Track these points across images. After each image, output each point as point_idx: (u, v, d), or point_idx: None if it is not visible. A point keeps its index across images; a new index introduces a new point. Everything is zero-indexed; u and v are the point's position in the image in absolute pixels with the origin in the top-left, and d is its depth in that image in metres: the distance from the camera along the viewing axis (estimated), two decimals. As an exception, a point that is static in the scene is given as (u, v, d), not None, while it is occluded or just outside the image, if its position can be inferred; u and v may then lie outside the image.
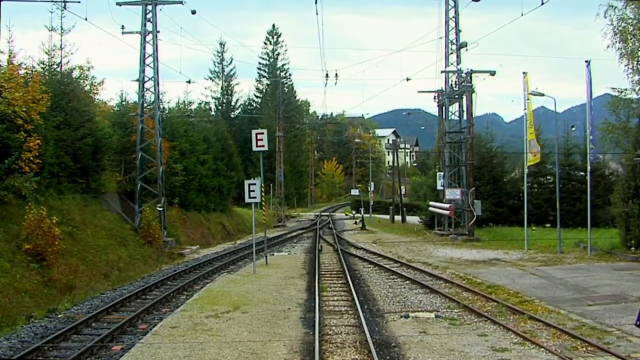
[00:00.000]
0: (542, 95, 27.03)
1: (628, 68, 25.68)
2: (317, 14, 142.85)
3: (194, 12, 30.43)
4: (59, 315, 14.08)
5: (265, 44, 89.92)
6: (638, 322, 3.40)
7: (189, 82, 58.07)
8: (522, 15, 25.27)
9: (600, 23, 26.03)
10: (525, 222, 27.75)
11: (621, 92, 28.55)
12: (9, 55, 21.98)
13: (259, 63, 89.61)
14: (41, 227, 17.81)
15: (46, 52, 27.22)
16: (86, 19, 26.56)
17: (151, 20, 29.44)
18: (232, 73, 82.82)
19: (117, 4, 28.76)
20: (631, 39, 25.29)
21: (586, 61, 24.12)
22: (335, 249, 29.09)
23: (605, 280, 17.48)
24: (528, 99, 26.95)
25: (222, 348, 10.30)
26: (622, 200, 23.53)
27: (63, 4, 24.31)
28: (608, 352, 9.90)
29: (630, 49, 25.38)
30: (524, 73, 27.36)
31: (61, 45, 27.38)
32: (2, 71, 19.99)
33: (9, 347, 11.21)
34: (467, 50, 35.20)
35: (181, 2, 28.94)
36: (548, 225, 35.45)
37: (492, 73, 34.97)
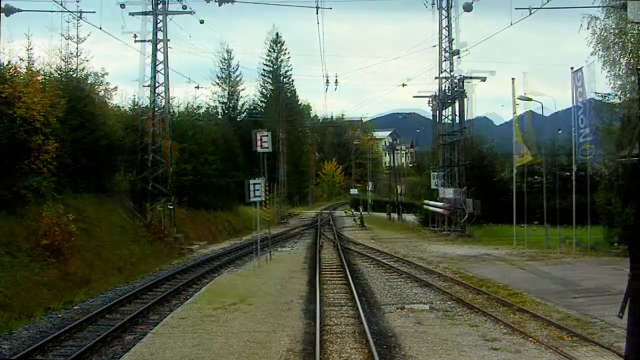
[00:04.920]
0: (530, 100, 27.07)
1: (610, 74, 25.63)
2: (317, 23, 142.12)
3: (202, 22, 30.48)
4: (75, 307, 14.12)
5: (269, 51, 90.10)
6: (620, 314, 3.42)
7: (197, 87, 58.40)
8: (511, 24, 25.21)
9: (584, 33, 25.97)
10: (514, 220, 27.74)
11: (604, 97, 28.50)
12: (28, 62, 22.04)
13: (263, 69, 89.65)
14: (58, 224, 17.85)
15: (62, 59, 27.30)
16: (100, 28, 26.42)
17: (162, 29, 29.47)
18: (238, 79, 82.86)
19: (130, 14, 28.75)
20: (613, 47, 25.23)
21: (571, 68, 24.19)
22: (335, 246, 29.07)
23: (590, 274, 17.48)
24: (517, 104, 26.99)
25: (229, 338, 10.32)
26: (605, 199, 23.51)
27: (79, 14, 24.38)
28: (592, 342, 9.91)
29: (612, 57, 25.32)
30: (512, 79, 27.43)
31: (77, 53, 27.46)
32: (22, 77, 20.01)
33: (28, 336, 11.25)
34: (459, 58, 35.14)
35: (190, 13, 28.99)
36: (536, 222, 35.42)
37: (484, 79, 35.01)
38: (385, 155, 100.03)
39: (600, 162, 24.99)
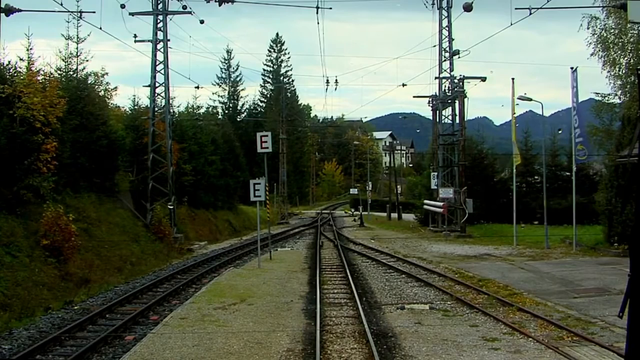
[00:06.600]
0: (530, 100, 27.04)
1: (610, 74, 25.63)
2: (317, 23, 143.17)
3: (202, 22, 30.36)
4: (75, 307, 14.09)
5: (270, 51, 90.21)
6: (620, 314, 3.40)
7: (197, 87, 58.44)
8: (511, 24, 25.16)
9: (585, 33, 25.97)
10: (514, 219, 27.72)
11: (604, 97, 28.52)
12: (28, 62, 22.02)
13: (263, 70, 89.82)
14: (58, 224, 17.83)
15: (63, 59, 27.30)
16: (100, 28, 26.42)
17: (162, 29, 29.43)
18: (238, 79, 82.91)
19: (130, 14, 28.66)
20: (613, 47, 25.22)
21: (571, 68, 24.19)
22: (335, 245, 29.07)
23: (590, 274, 17.45)
24: (517, 104, 26.93)
25: (229, 338, 10.30)
26: (605, 199, 23.50)
27: (79, 14, 24.36)
28: (592, 342, 9.89)
29: (612, 57, 25.31)
30: (512, 79, 27.39)
31: (77, 53, 27.44)
32: (22, 77, 20.00)
33: (27, 336, 11.23)
34: (459, 57, 35.12)
35: (190, 13, 28.93)
36: (536, 222, 35.45)
37: (483, 79, 35.08)
38: (385, 156, 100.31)
39: (600, 162, 25.00)
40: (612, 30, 25.21)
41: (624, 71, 24.93)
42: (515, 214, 27.61)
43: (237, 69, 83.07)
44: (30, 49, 22.01)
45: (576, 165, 25.20)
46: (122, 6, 24.95)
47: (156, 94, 30.30)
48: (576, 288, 15.27)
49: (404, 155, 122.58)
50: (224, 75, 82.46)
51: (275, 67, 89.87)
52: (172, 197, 29.77)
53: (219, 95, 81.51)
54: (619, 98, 26.90)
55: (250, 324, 11.55)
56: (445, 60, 36.13)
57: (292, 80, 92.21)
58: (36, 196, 19.03)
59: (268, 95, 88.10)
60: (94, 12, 38.30)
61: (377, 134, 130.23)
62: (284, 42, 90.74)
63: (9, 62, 20.99)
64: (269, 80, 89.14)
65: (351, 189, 77.11)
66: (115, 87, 34.05)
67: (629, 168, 21.15)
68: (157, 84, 30.06)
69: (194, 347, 9.69)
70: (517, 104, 27.32)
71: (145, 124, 31.02)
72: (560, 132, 43.38)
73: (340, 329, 11.37)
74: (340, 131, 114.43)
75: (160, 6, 29.35)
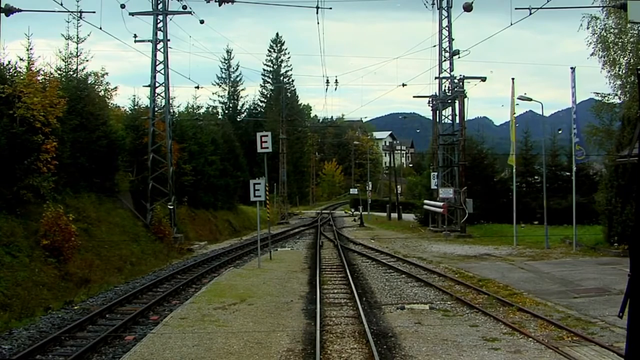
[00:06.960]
0: (530, 100, 27.04)
1: (610, 74, 25.65)
2: (317, 23, 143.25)
3: (202, 22, 30.35)
4: (75, 307, 14.08)
5: (269, 51, 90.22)
6: (620, 314, 3.41)
7: (197, 87, 58.51)
8: (511, 24, 25.14)
9: (585, 33, 25.98)
10: (514, 219, 27.73)
11: (604, 96, 28.52)
12: (28, 62, 22.02)
13: (263, 70, 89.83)
14: (58, 224, 17.83)
15: (63, 59, 27.30)
16: (100, 28, 26.43)
17: (162, 29, 29.43)
18: (238, 79, 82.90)
19: (130, 14, 28.62)
20: (613, 47, 25.24)
21: (571, 68, 24.19)
22: (335, 245, 29.06)
23: (590, 274, 17.45)
24: (517, 104, 26.93)
25: (229, 338, 10.30)
26: (605, 199, 23.51)
27: (79, 14, 24.36)
28: (592, 342, 9.89)
29: (612, 57, 25.32)
30: (512, 79, 27.39)
31: (77, 53, 27.44)
32: (22, 77, 20.00)
33: (27, 336, 11.22)
34: (459, 57, 35.11)
35: (190, 13, 28.92)
36: (536, 222, 35.46)
37: (483, 79, 35.09)
38: (385, 156, 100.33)
39: (600, 162, 25.01)
40: (612, 30, 25.22)
41: (624, 71, 24.94)
42: (515, 214, 27.61)
43: (237, 69, 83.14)
44: (30, 49, 22.03)
45: (576, 165, 25.22)
46: (122, 6, 24.95)
47: (156, 94, 30.30)
48: (576, 288, 15.27)
49: (404, 155, 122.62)
50: (224, 75, 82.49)
51: (275, 67, 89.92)
52: (172, 197, 29.76)
53: (219, 95, 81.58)
54: (619, 98, 26.92)
55: (250, 324, 11.55)
56: (445, 60, 36.13)
57: (292, 80, 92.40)
58: (36, 196, 19.02)
59: (268, 95, 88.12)
60: (94, 12, 38.35)
61: (377, 134, 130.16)
62: (284, 42, 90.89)
63: (9, 62, 21.02)
64: (269, 80, 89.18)
65: (351, 189, 77.09)
66: (115, 87, 34.17)
67: (629, 168, 21.14)
68: (157, 84, 30.05)
69: (194, 347, 9.69)
70: (517, 104, 27.34)
71: (145, 124, 31.00)
72: (560, 132, 43.41)
73: (340, 329, 11.37)
74: (340, 131, 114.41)
75: (160, 6, 29.35)
